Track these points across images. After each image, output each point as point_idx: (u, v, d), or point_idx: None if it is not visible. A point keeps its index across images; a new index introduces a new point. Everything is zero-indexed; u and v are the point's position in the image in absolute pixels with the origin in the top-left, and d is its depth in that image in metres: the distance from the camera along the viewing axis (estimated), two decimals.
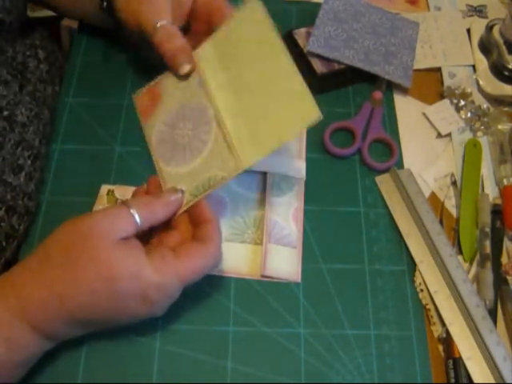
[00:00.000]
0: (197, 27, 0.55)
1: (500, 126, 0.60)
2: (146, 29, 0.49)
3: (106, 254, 0.38)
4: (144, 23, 0.49)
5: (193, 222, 0.44)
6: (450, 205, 0.55)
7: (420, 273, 0.50)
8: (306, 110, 0.43)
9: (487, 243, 0.52)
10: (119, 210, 0.41)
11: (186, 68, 0.48)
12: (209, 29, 0.51)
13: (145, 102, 0.51)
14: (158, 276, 0.39)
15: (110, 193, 0.51)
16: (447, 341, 0.47)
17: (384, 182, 0.55)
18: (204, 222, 0.43)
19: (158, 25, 0.49)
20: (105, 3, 0.54)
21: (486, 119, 0.61)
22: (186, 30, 0.54)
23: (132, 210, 0.40)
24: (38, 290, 0.38)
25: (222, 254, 0.45)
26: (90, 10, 0.57)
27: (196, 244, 0.42)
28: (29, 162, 0.50)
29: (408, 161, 0.57)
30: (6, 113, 0.49)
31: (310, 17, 0.64)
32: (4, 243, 0.46)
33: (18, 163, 0.49)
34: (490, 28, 0.66)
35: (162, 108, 0.50)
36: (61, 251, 0.39)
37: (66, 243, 0.39)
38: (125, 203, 0.41)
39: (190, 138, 0.48)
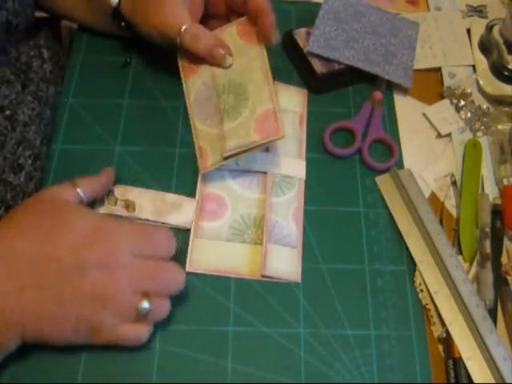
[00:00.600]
0: (214, 10, 0.56)
1: (500, 126, 0.60)
2: (172, 36, 0.50)
3: (54, 201, 0.43)
4: (168, 33, 0.50)
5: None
6: (450, 205, 0.55)
7: (420, 273, 0.50)
8: None
9: (487, 243, 0.52)
10: (65, 184, 0.46)
11: (228, 60, 0.52)
12: (227, 12, 0.53)
13: (186, 60, 0.54)
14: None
15: (110, 193, 0.51)
16: (447, 341, 0.47)
17: (384, 182, 0.55)
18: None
19: (183, 29, 0.50)
20: (123, 23, 0.55)
21: (485, 119, 0.61)
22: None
23: (77, 187, 0.46)
24: None
25: None
26: (107, 24, 0.58)
27: None
28: (29, 161, 0.50)
29: (408, 161, 0.57)
30: (7, 112, 0.49)
31: (310, 17, 0.64)
32: None
33: (19, 163, 0.49)
34: (490, 28, 0.65)
35: (205, 71, 0.53)
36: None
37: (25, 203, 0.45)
38: (71, 181, 0.46)
39: (228, 108, 0.51)
